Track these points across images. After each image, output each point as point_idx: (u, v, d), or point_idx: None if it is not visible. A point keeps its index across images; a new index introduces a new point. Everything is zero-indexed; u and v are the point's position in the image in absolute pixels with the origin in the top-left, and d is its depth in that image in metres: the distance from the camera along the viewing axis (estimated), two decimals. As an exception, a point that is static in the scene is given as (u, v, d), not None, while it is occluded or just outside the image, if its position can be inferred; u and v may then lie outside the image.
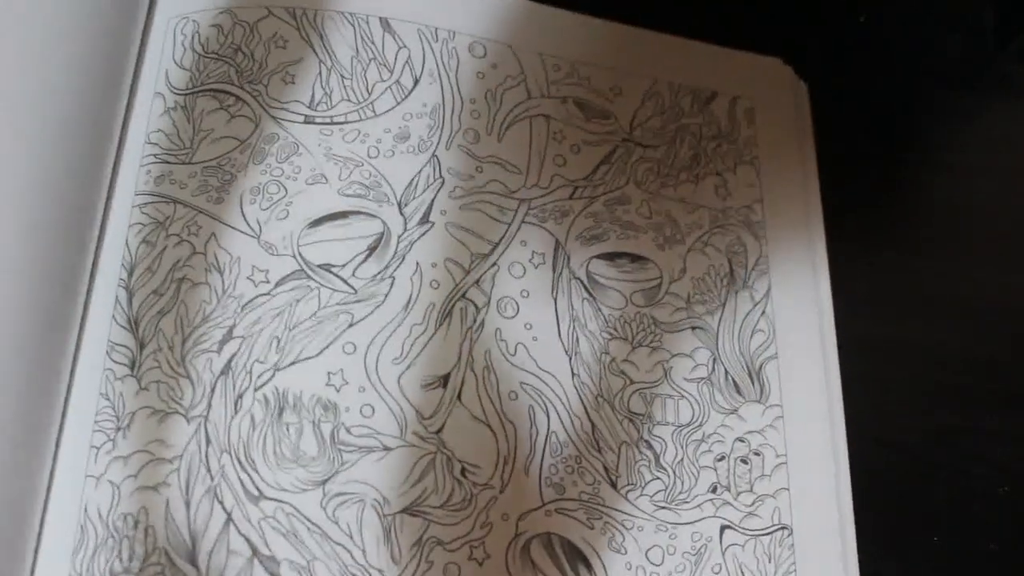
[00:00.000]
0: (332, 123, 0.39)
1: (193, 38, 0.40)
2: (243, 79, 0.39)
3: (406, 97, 0.40)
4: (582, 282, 0.39)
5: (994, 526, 0.40)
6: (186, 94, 0.39)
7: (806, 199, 0.43)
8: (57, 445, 0.34)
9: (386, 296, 0.37)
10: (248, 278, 0.36)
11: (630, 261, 0.40)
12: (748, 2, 0.47)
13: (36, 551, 0.32)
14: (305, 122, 0.39)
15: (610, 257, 0.40)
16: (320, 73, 0.40)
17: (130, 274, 0.36)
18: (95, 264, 0.36)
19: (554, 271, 0.39)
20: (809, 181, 0.43)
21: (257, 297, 0.36)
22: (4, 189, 0.32)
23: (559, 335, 0.38)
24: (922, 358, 0.42)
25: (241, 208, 0.37)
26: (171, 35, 0.40)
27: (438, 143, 0.40)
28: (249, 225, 0.37)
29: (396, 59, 0.41)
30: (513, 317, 0.38)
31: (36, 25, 0.34)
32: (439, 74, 0.41)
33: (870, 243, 0.44)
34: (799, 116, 0.44)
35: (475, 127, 0.40)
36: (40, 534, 0.33)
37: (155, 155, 0.38)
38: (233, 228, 0.37)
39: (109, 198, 0.37)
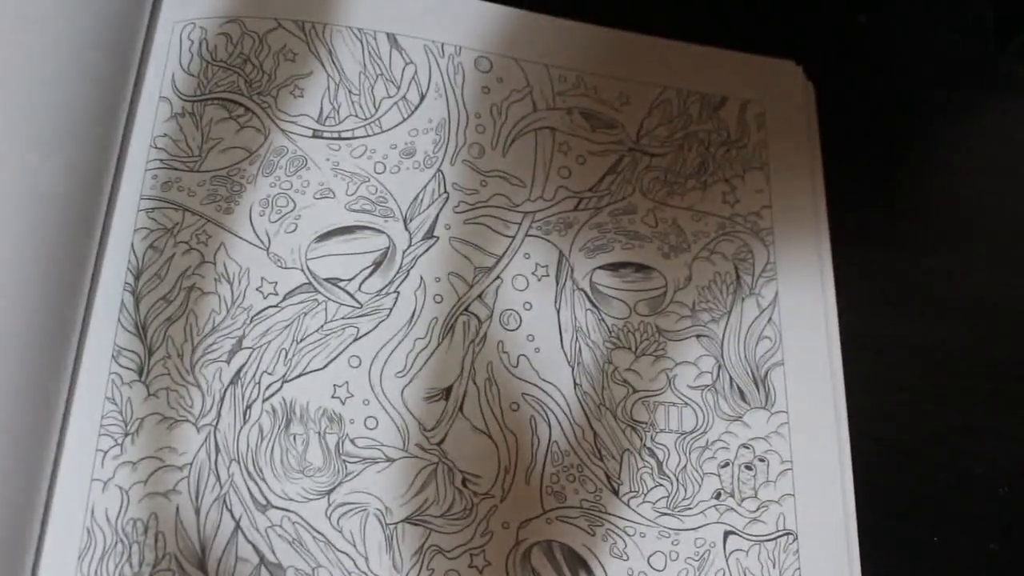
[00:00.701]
0: (340, 138, 0.39)
1: (201, 45, 0.40)
2: (252, 90, 0.39)
3: (412, 113, 0.40)
4: (585, 293, 0.39)
5: (994, 526, 0.40)
6: (194, 101, 0.39)
7: (814, 203, 0.42)
8: (60, 447, 0.34)
9: (390, 311, 0.37)
10: (257, 289, 0.37)
11: (634, 271, 0.40)
12: (747, 3, 0.47)
13: (38, 553, 0.33)
14: (313, 136, 0.39)
15: (614, 267, 0.40)
16: (328, 88, 0.40)
17: (136, 278, 0.36)
18: (98, 266, 0.36)
19: (557, 283, 0.39)
20: (817, 185, 0.43)
21: (266, 309, 0.37)
22: (4, 187, 0.32)
23: (561, 346, 0.38)
24: (922, 358, 0.42)
25: (250, 219, 0.38)
26: (177, 39, 0.40)
27: (443, 158, 0.40)
28: (258, 236, 0.38)
29: (403, 75, 0.41)
30: (516, 329, 0.38)
31: (39, 23, 0.34)
32: (445, 89, 0.41)
33: (870, 243, 0.44)
34: (808, 119, 0.44)
35: (480, 141, 0.40)
36: (43, 536, 0.33)
37: (161, 160, 0.38)
38: (242, 239, 0.37)
39: (112, 200, 0.37)
